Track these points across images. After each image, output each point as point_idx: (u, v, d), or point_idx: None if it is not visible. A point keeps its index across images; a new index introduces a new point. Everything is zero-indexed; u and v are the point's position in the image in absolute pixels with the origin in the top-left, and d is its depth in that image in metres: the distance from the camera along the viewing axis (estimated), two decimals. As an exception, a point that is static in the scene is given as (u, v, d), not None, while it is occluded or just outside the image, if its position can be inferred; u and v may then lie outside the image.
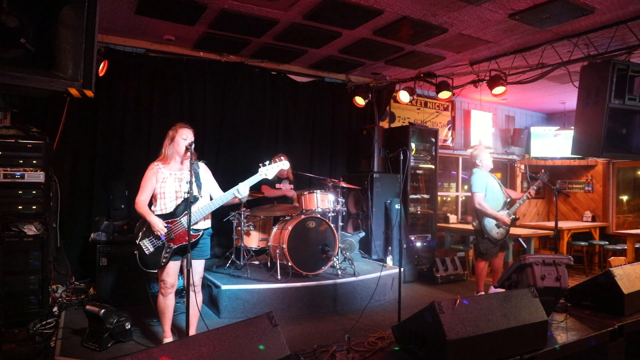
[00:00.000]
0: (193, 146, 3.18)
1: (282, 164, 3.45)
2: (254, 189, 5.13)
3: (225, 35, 5.35)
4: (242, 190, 3.30)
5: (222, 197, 3.34)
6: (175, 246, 3.28)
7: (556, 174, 9.39)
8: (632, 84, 4.62)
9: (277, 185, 5.73)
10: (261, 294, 4.53)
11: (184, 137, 3.36)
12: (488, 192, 5.09)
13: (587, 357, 3.07)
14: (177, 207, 3.32)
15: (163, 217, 3.30)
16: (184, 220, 3.27)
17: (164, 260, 3.28)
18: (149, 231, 3.29)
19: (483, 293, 5.31)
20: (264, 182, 5.35)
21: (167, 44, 5.73)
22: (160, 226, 3.23)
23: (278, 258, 4.94)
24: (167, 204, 3.34)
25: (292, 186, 5.85)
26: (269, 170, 3.39)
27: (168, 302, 3.44)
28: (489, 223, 5.05)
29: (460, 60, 6.14)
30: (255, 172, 3.40)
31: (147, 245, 3.29)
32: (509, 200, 5.18)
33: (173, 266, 3.36)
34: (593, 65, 4.77)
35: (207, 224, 3.47)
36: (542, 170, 5.00)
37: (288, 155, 5.58)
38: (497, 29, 4.92)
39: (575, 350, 2.93)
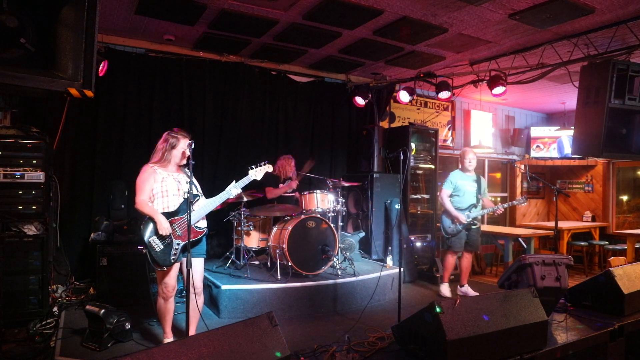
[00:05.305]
0: (191, 156, 3.23)
1: (265, 168, 3.64)
2: (256, 189, 5.16)
3: (225, 35, 5.35)
4: (233, 191, 3.49)
5: (220, 196, 3.46)
6: (183, 242, 3.31)
7: (556, 174, 9.39)
8: (632, 84, 4.62)
9: (281, 186, 5.73)
10: (261, 294, 4.53)
11: (185, 148, 3.42)
12: (455, 191, 5.48)
13: (587, 357, 3.07)
14: (180, 204, 3.37)
15: (167, 215, 3.33)
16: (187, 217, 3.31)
17: (173, 257, 3.29)
18: (157, 229, 3.30)
19: (447, 284, 5.64)
20: (268, 184, 5.38)
21: (167, 44, 5.73)
22: (166, 225, 3.25)
23: (278, 258, 4.94)
24: (169, 202, 3.37)
25: (296, 182, 5.81)
26: (257, 173, 3.59)
27: (169, 306, 3.46)
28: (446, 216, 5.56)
29: (460, 60, 6.14)
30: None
31: (157, 243, 3.29)
32: (477, 204, 5.47)
33: (174, 267, 3.39)
34: (593, 65, 4.77)
35: (205, 223, 3.54)
36: (524, 196, 5.61)
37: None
38: (497, 29, 4.93)
39: (575, 350, 2.93)
